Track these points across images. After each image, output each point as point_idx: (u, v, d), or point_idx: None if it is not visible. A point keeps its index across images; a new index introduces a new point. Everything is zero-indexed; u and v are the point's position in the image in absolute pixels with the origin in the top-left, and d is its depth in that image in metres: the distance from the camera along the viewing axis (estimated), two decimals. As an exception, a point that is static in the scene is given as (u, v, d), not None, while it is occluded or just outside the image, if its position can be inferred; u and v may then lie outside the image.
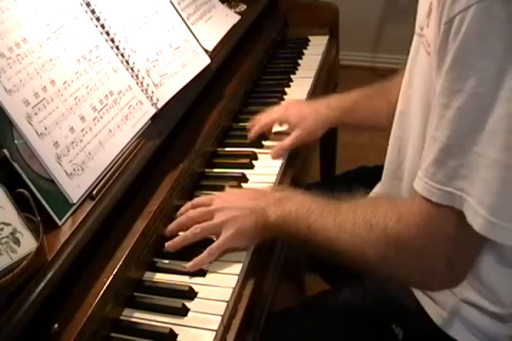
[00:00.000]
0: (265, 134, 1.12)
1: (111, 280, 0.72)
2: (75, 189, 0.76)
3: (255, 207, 0.83)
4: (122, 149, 0.86)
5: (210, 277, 0.81)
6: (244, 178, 1.00)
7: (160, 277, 0.81)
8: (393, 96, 1.07)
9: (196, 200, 0.90)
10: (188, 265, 0.80)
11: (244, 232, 0.83)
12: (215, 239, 0.84)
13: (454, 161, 0.63)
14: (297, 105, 1.13)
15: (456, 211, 0.63)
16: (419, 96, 0.77)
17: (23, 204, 0.68)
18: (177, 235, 0.86)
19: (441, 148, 0.64)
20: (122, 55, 0.93)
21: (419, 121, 0.77)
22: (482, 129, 0.60)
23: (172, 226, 0.87)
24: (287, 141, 1.06)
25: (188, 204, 0.90)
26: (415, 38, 0.81)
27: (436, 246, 0.67)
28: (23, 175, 0.71)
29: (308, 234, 0.78)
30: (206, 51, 1.12)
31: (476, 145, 0.61)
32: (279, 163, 1.04)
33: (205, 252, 0.81)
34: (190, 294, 0.77)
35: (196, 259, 0.81)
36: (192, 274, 0.81)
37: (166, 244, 0.84)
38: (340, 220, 0.76)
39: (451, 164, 0.63)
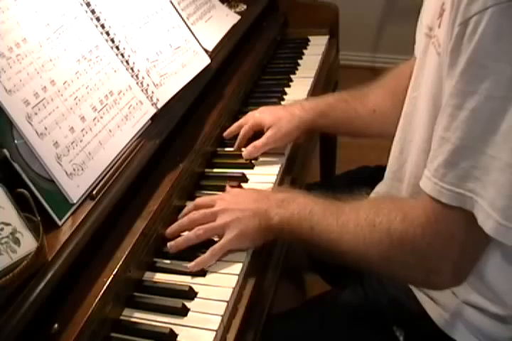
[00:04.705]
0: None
1: (111, 281, 0.72)
2: (75, 189, 0.76)
3: (258, 209, 0.83)
4: (122, 149, 0.86)
5: (210, 277, 0.81)
6: (244, 178, 1.00)
7: (160, 277, 0.81)
8: (370, 101, 1.08)
9: (198, 201, 0.89)
10: (190, 265, 0.80)
11: (248, 234, 0.82)
12: (216, 239, 0.84)
13: (466, 163, 0.62)
14: (271, 109, 1.13)
15: (465, 212, 0.63)
16: (426, 98, 0.77)
17: (23, 204, 0.68)
18: (179, 236, 0.86)
19: (453, 149, 0.63)
20: (122, 55, 0.93)
21: (426, 124, 0.77)
22: (496, 132, 0.60)
23: (173, 227, 0.86)
24: (261, 140, 1.05)
25: (190, 205, 0.89)
26: (423, 39, 0.81)
27: (441, 246, 0.67)
28: (23, 175, 0.71)
29: (311, 235, 0.78)
30: (206, 51, 1.12)
31: (489, 147, 0.60)
32: (279, 163, 1.04)
33: (208, 252, 0.81)
34: (190, 294, 0.77)
35: (199, 259, 0.80)
36: (192, 274, 0.81)
37: (169, 244, 0.83)
38: (342, 221, 0.76)
39: (462, 165, 0.63)
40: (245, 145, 1.08)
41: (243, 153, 1.05)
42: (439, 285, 0.74)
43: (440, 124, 0.66)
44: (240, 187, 0.97)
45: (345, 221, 0.75)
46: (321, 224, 0.77)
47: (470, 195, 0.63)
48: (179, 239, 0.84)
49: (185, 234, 0.85)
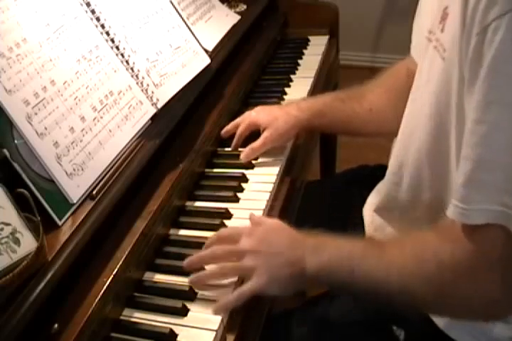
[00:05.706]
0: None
1: (111, 280, 0.72)
2: (75, 189, 0.76)
3: (291, 258, 0.76)
4: (122, 149, 0.86)
5: (210, 277, 0.81)
6: (244, 178, 1.00)
7: (160, 277, 0.81)
8: (367, 100, 1.08)
9: (222, 233, 0.83)
10: (215, 307, 0.75)
11: (278, 281, 0.76)
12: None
13: (491, 177, 0.61)
14: (268, 108, 1.12)
15: (499, 227, 0.61)
16: (428, 102, 0.76)
17: (23, 204, 0.68)
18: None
19: (474, 167, 0.62)
20: (122, 55, 0.93)
21: (427, 125, 0.76)
22: None
23: (193, 260, 0.79)
24: (258, 141, 1.05)
25: (214, 237, 0.82)
26: (423, 42, 0.81)
27: (494, 269, 0.64)
28: (23, 175, 0.71)
29: (352, 278, 0.73)
30: (206, 51, 1.12)
31: None
32: (279, 163, 1.04)
33: (235, 295, 0.75)
34: (190, 294, 0.77)
35: (223, 301, 0.75)
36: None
37: (189, 279, 0.78)
38: (386, 260, 0.72)
39: (487, 180, 0.61)
40: (242, 145, 1.07)
41: (241, 156, 1.04)
42: (500, 313, 0.70)
43: (463, 143, 0.64)
44: (240, 187, 0.98)
45: (390, 260, 0.71)
46: (363, 266, 0.72)
47: (501, 209, 0.60)
48: (201, 273, 0.78)
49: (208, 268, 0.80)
